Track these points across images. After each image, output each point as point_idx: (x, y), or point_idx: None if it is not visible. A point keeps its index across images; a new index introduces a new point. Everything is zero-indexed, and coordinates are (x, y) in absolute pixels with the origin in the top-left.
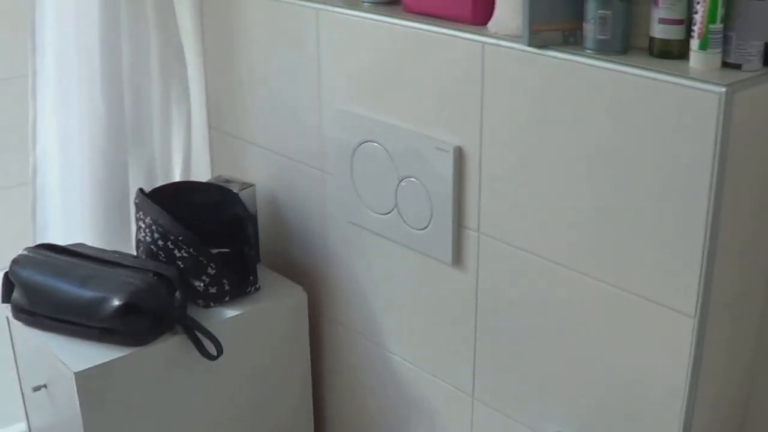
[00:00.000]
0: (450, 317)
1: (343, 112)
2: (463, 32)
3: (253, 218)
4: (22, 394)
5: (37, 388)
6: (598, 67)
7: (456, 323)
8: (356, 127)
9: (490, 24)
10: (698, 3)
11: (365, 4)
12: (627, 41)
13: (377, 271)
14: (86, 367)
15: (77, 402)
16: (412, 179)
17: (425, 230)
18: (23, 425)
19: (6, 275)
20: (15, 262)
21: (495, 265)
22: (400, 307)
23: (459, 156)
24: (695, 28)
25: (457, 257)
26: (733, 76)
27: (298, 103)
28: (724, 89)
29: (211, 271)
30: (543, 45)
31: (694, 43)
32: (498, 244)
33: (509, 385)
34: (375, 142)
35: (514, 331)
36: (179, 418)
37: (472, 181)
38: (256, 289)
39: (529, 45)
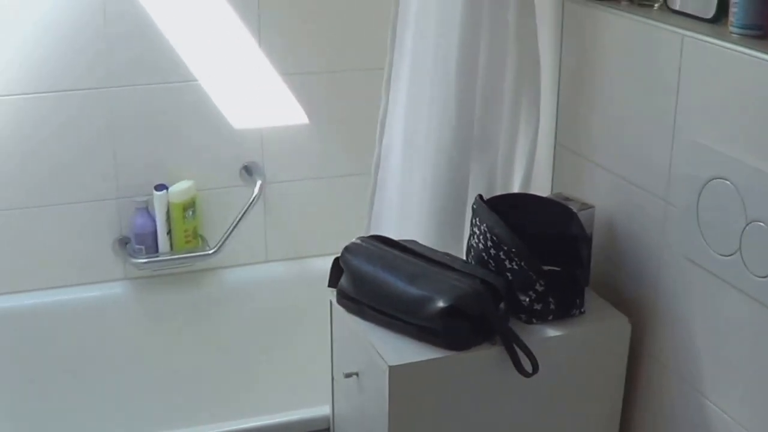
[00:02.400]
0: None
1: (697, 145)
2: None
3: (589, 240)
4: (332, 378)
5: (348, 375)
6: None
7: None
8: (708, 162)
9: None
10: None
11: (733, 35)
12: None
13: (709, 314)
14: (402, 362)
15: (387, 395)
16: (760, 224)
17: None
18: (327, 409)
19: (336, 261)
20: (347, 249)
21: None
22: (729, 356)
23: None
24: None
25: None
26: None
27: (649, 129)
28: None
29: (539, 288)
30: None
31: None
32: None
33: None
34: (726, 179)
35: None
36: (482, 428)
37: None
38: (581, 313)
39: None
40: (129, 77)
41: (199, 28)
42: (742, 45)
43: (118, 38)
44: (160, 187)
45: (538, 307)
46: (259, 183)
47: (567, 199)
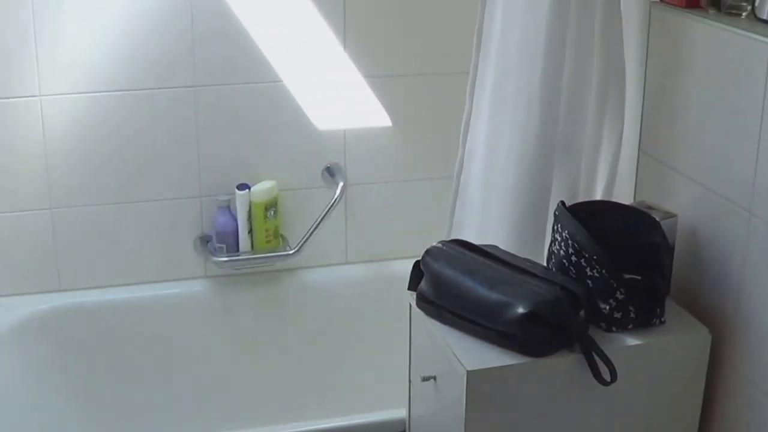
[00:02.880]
0: None
1: None
2: None
3: (671, 249)
4: (409, 381)
5: (425, 379)
6: None
7: None
8: None
9: None
10: None
11: None
12: None
13: None
14: (480, 367)
15: (464, 400)
16: None
17: None
18: (403, 412)
19: (417, 264)
20: (428, 253)
21: None
22: None
23: None
24: None
25: None
26: None
27: (734, 139)
28: None
29: (619, 296)
30: None
31: None
32: None
33: None
34: None
35: None
36: None
37: None
38: (661, 322)
39: None
40: (214, 77)
41: (285, 30)
42: None
43: (204, 38)
44: (243, 186)
45: (618, 315)
46: (340, 185)
47: (650, 207)
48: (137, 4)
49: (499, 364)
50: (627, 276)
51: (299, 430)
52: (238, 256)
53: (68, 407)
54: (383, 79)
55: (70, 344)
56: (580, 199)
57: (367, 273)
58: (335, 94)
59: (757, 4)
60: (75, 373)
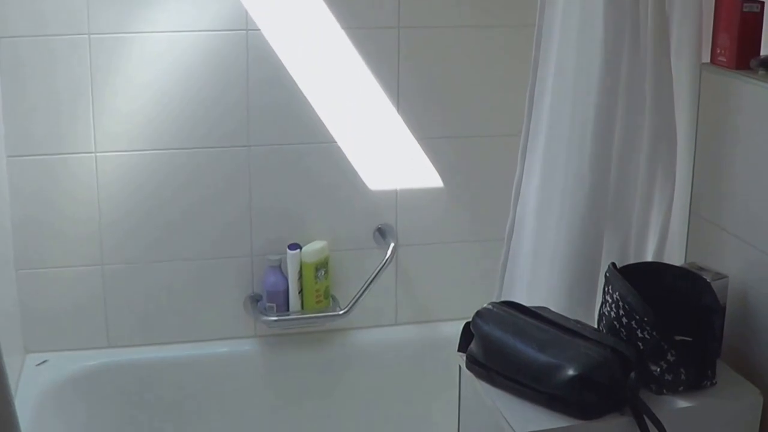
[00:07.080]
0: None
1: None
2: None
3: (722, 311)
4: None
5: None
6: None
7: None
8: None
9: None
10: None
11: None
12: None
13: None
14: (530, 430)
15: None
16: None
17: None
18: None
19: (467, 325)
20: (478, 314)
21: None
22: None
23: None
24: None
25: None
26: None
27: None
28: None
29: (670, 358)
30: None
31: None
32: None
33: None
34: None
35: None
36: None
37: None
38: (712, 384)
39: None
40: (268, 136)
41: (340, 91)
42: None
43: (259, 98)
44: (293, 246)
45: (669, 377)
46: (391, 245)
47: (701, 268)
48: (193, 63)
49: (550, 427)
50: (678, 338)
51: None
52: (288, 315)
53: None
54: (435, 140)
55: (119, 400)
56: (631, 260)
57: (416, 334)
58: (388, 155)
59: None
60: (123, 429)
